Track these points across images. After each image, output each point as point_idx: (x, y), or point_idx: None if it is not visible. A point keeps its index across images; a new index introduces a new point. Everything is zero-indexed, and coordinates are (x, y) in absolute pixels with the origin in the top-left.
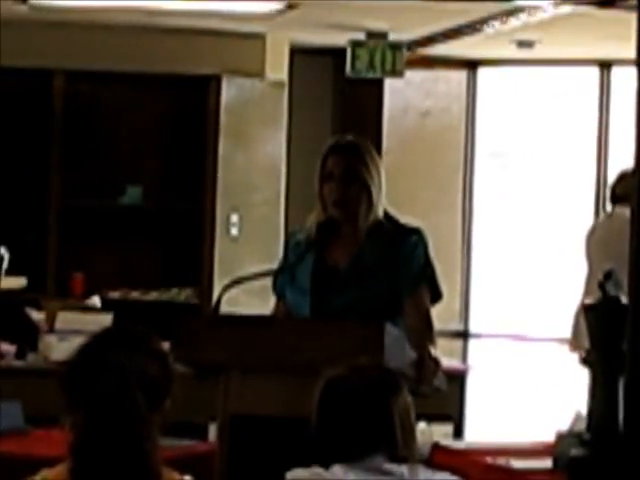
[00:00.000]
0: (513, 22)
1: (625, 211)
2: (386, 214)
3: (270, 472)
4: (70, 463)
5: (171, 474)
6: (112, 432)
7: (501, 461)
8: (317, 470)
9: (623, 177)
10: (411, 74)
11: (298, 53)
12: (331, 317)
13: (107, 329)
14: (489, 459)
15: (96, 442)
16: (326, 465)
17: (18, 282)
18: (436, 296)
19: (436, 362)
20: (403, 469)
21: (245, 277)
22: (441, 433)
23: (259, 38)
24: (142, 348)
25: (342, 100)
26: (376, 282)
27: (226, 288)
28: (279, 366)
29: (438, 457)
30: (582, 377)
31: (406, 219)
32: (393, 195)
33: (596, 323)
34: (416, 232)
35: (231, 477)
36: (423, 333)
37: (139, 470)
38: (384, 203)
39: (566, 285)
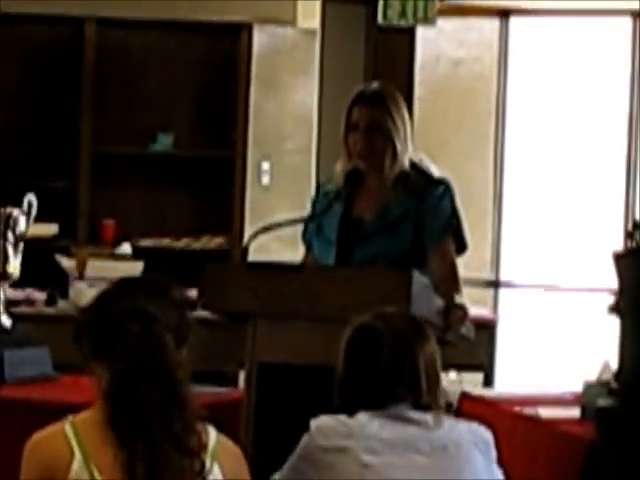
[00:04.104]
0: None
1: None
2: (413, 164)
3: (297, 419)
4: (106, 410)
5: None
6: (146, 377)
7: (529, 410)
8: (342, 417)
9: None
10: (443, 23)
11: (330, 1)
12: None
13: (124, 279)
14: (517, 408)
15: (130, 389)
16: (351, 412)
17: (49, 229)
18: (461, 247)
19: (463, 310)
20: (427, 417)
21: (273, 224)
22: (471, 382)
23: None
24: (161, 296)
25: (374, 48)
26: (401, 234)
27: (254, 235)
28: (307, 314)
29: (466, 406)
30: (612, 326)
31: (437, 167)
32: (425, 143)
33: (626, 272)
34: (442, 183)
35: (258, 424)
36: (449, 282)
37: (179, 413)
38: (411, 152)
39: (598, 235)
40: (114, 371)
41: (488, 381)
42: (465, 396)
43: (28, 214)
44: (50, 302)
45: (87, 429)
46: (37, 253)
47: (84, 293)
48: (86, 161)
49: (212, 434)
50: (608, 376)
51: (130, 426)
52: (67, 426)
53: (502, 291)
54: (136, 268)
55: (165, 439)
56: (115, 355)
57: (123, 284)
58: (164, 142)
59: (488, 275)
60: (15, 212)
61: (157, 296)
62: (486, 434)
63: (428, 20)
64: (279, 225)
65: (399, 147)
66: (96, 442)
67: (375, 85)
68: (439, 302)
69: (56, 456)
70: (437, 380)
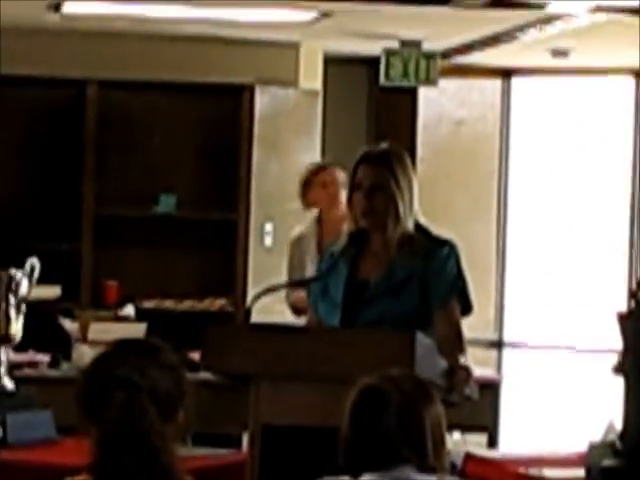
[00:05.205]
0: (548, 31)
1: None
2: (418, 226)
3: None
4: (92, 477)
5: None
6: (127, 446)
7: (534, 471)
8: (346, 479)
9: None
10: (445, 83)
11: (332, 62)
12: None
13: (118, 342)
14: (521, 469)
15: (112, 457)
16: (355, 474)
17: (52, 292)
18: (467, 308)
19: (467, 371)
20: (432, 479)
21: (275, 286)
22: (475, 443)
23: (293, 47)
24: (153, 361)
25: (376, 109)
26: (407, 296)
27: (257, 297)
28: (310, 376)
29: (471, 467)
30: (616, 387)
31: (440, 227)
32: (428, 203)
33: (630, 332)
34: (447, 244)
35: None
36: (453, 343)
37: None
38: (416, 213)
39: (601, 295)
40: (98, 438)
41: (492, 442)
42: (469, 457)
43: (30, 277)
44: (53, 365)
45: None
46: (40, 315)
47: (87, 356)
48: (89, 223)
49: None
50: (613, 436)
51: None
52: None
53: (506, 351)
54: (139, 330)
55: None
56: (100, 422)
57: (116, 349)
58: (167, 204)
59: (492, 335)
60: (17, 275)
61: (148, 361)
62: None
63: (430, 81)
64: (282, 286)
65: (402, 209)
66: None
67: (382, 145)
68: (443, 363)
69: None
70: (442, 442)
